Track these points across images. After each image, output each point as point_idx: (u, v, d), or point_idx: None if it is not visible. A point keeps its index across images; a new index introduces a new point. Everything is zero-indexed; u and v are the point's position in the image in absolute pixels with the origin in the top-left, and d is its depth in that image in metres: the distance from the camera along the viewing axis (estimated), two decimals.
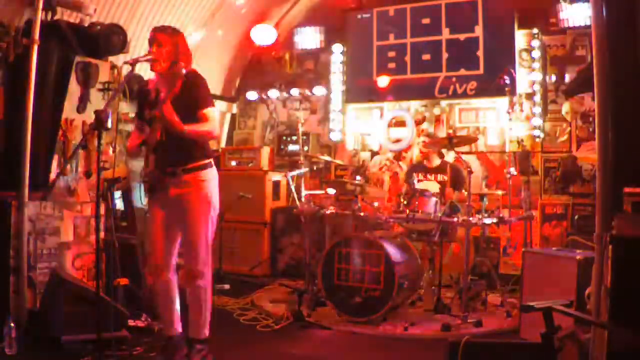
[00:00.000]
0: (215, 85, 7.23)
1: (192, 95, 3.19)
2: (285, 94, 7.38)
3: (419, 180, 5.28)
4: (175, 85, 3.19)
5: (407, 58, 6.63)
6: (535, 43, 6.03)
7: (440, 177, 5.35)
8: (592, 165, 5.69)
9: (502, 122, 6.18)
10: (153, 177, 3.23)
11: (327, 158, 6.13)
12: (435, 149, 5.40)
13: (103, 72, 4.64)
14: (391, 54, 6.74)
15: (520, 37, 6.15)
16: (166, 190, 3.23)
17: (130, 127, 5.02)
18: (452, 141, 4.80)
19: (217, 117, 3.30)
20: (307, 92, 7.20)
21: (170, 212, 3.28)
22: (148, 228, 3.37)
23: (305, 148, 6.87)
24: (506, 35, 6.14)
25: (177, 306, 3.39)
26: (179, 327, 3.39)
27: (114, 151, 4.63)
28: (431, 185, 5.10)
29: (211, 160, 3.32)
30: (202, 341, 3.31)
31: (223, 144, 7.66)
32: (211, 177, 3.29)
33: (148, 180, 3.25)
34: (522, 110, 6.13)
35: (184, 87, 3.20)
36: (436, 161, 5.46)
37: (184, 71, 3.24)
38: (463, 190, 5.04)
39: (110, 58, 4.77)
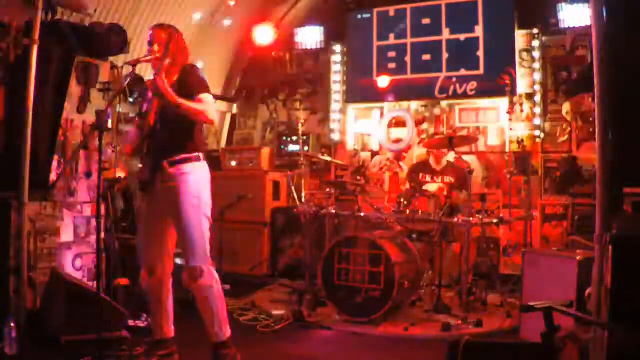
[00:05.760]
0: (215, 85, 7.23)
1: (187, 84, 3.18)
2: (285, 94, 7.38)
3: (425, 182, 5.27)
4: (173, 78, 3.20)
5: (407, 58, 6.64)
6: (535, 43, 6.03)
7: (447, 178, 5.33)
8: (592, 165, 5.70)
9: (502, 122, 6.19)
10: (142, 174, 3.22)
11: (327, 158, 6.13)
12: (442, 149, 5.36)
13: (103, 72, 4.65)
14: (391, 54, 6.74)
15: (520, 37, 6.15)
16: (154, 186, 3.21)
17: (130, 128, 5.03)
18: (452, 141, 4.79)
19: (213, 102, 3.22)
20: (307, 92, 7.20)
21: (160, 209, 3.23)
22: (140, 226, 3.36)
23: (305, 148, 6.87)
24: (506, 35, 6.15)
25: (168, 309, 3.34)
26: (168, 331, 3.35)
27: (113, 151, 4.63)
28: (437, 187, 5.09)
29: (200, 154, 3.24)
30: (225, 344, 3.22)
31: (223, 144, 7.66)
32: (197, 170, 3.21)
33: (139, 178, 3.25)
34: (522, 110, 6.13)
35: (181, 78, 3.20)
36: (443, 162, 5.43)
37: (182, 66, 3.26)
38: (463, 191, 5.04)
39: (110, 58, 4.77)
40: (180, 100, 3.06)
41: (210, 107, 3.18)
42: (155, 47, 3.19)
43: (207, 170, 3.30)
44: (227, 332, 3.25)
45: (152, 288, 3.30)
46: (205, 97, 3.17)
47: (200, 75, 3.25)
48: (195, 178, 3.19)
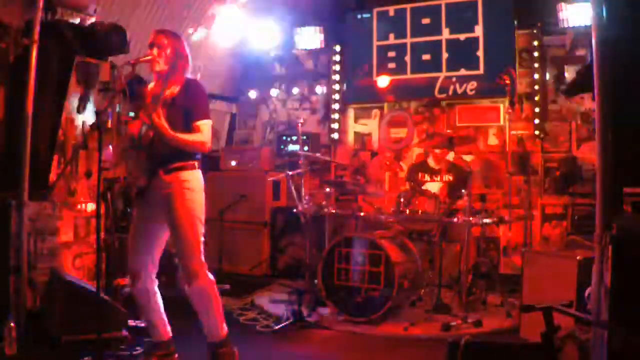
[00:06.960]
0: (215, 85, 7.22)
1: (188, 103, 3.20)
2: (285, 94, 7.38)
3: (424, 181, 5.26)
4: (174, 89, 3.21)
5: (407, 58, 6.64)
6: (535, 43, 6.03)
7: (446, 177, 5.32)
8: (592, 165, 5.70)
9: (502, 122, 6.19)
10: (138, 181, 3.24)
11: (327, 158, 6.13)
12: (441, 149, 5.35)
13: (103, 72, 4.64)
14: (391, 54, 6.74)
15: (520, 37, 6.15)
16: (149, 192, 3.23)
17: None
18: (452, 141, 4.79)
19: (210, 127, 3.26)
20: (307, 92, 7.20)
21: (154, 215, 3.26)
22: (129, 231, 3.37)
23: (305, 148, 6.87)
24: (506, 35, 6.14)
25: (160, 312, 3.36)
26: (165, 333, 3.36)
27: (114, 151, 4.63)
28: (436, 187, 5.09)
29: (195, 162, 3.28)
30: (223, 343, 3.25)
31: (223, 144, 7.65)
32: (193, 178, 3.26)
33: (134, 185, 3.26)
34: (522, 110, 6.13)
35: (182, 93, 3.21)
36: (442, 162, 5.41)
37: (184, 77, 3.26)
38: (463, 190, 5.03)
39: (110, 58, 4.77)
40: (176, 135, 3.11)
41: (206, 135, 3.23)
42: (155, 51, 3.22)
43: (202, 177, 3.33)
44: (224, 331, 3.27)
45: (138, 294, 3.32)
46: (204, 124, 3.21)
47: (204, 99, 3.29)
48: (191, 185, 3.23)
